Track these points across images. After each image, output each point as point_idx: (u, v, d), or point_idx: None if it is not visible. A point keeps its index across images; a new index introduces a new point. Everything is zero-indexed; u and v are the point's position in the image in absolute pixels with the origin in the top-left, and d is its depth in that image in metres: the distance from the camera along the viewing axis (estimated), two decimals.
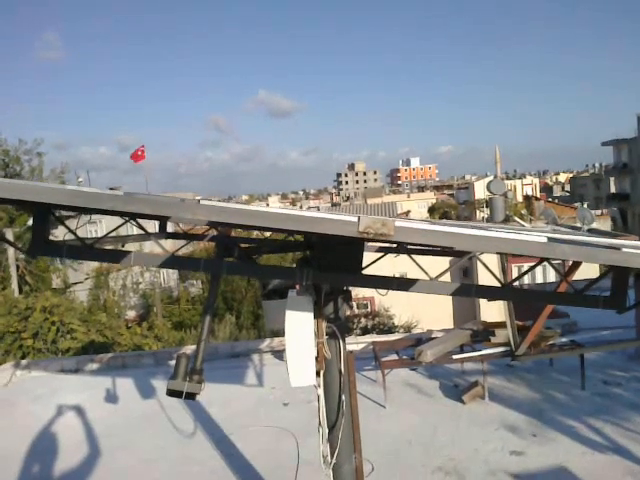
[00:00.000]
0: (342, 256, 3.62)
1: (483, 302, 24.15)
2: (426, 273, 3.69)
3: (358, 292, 25.33)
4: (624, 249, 2.45)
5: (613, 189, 60.93)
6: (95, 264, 29.99)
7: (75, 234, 3.53)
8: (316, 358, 4.35)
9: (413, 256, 4.11)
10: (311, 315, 4.13)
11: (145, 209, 2.43)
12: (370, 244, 5.15)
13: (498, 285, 3.94)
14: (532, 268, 3.71)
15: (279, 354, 13.33)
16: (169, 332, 24.95)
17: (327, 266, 3.58)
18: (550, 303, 6.22)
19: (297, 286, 4.61)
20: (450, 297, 28.03)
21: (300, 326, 4.09)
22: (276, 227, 2.45)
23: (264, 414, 9.94)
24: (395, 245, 5.74)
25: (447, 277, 23.77)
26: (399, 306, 25.95)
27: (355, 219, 2.40)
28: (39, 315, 18.16)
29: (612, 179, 61.19)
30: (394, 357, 10.82)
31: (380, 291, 3.75)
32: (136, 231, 6.01)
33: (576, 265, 4.29)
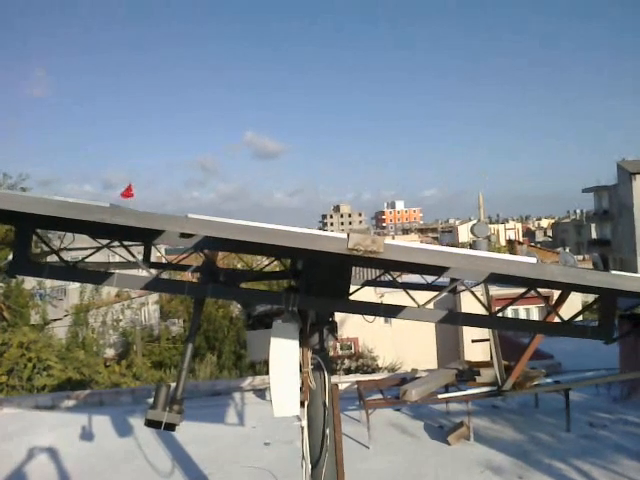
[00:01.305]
0: (329, 282, 3.58)
1: (467, 343, 24.02)
2: (414, 300, 3.66)
3: (342, 333, 25.11)
4: (612, 271, 2.46)
5: (594, 235, 61.86)
6: (75, 300, 29.46)
7: (58, 254, 3.47)
8: (300, 389, 4.26)
9: (401, 286, 4.07)
10: (296, 343, 4.06)
11: (131, 221, 2.39)
12: (356, 278, 5.12)
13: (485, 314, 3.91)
14: (521, 296, 3.70)
15: (261, 393, 13.07)
16: (148, 371, 24.42)
17: (314, 291, 3.53)
18: (538, 332, 6.19)
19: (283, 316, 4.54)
20: (434, 338, 27.91)
21: (285, 354, 4.01)
22: (266, 242, 2.42)
23: (245, 453, 9.66)
24: (381, 275, 5.71)
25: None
26: (383, 347, 25.74)
27: (344, 236, 2.39)
28: (15, 351, 17.71)
29: (593, 225, 62.20)
30: (378, 396, 10.65)
31: (367, 318, 3.70)
32: (118, 259, 5.92)
33: (564, 296, 4.29)
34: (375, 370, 23.76)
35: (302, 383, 4.28)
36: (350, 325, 23.09)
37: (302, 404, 4.24)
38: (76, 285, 31.01)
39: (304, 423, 4.37)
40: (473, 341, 17.56)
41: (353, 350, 28.38)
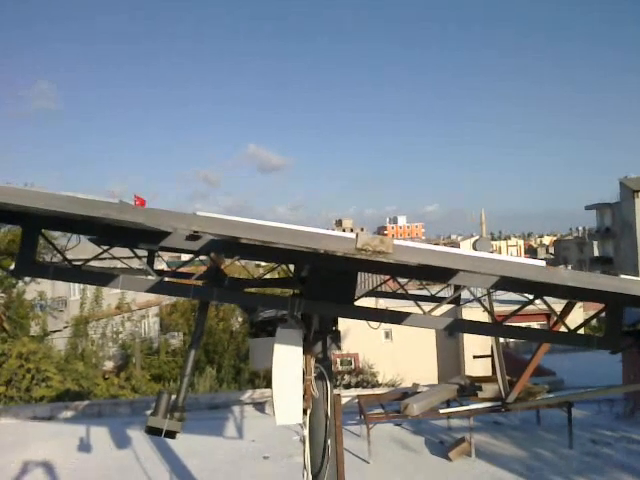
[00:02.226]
0: (334, 287, 3.56)
1: (468, 359, 23.88)
2: (419, 307, 3.64)
3: (343, 348, 25.00)
4: (622, 276, 2.44)
5: (596, 252, 61.74)
6: (75, 312, 29.37)
7: (63, 254, 3.45)
8: (303, 396, 4.21)
9: (410, 297, 4.04)
10: (300, 350, 4.03)
11: (140, 218, 2.38)
12: (360, 288, 5.09)
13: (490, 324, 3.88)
14: (525, 305, 3.68)
15: (260, 406, 12.97)
16: (147, 384, 24.25)
17: (319, 296, 3.51)
18: (544, 341, 6.15)
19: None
20: (435, 354, 27.72)
21: (289, 361, 3.98)
22: (275, 240, 2.41)
23: (243, 467, 9.55)
24: (385, 282, 5.69)
25: (432, 338, 23.47)
26: (383, 363, 25.58)
27: (353, 236, 2.38)
28: (14, 361, 17.61)
29: (595, 243, 62.10)
30: (379, 411, 10.55)
31: (372, 324, 3.67)
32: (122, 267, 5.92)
33: (570, 307, 4.27)
34: (375, 386, 23.58)
35: (305, 391, 4.23)
36: (351, 341, 22.96)
37: (304, 412, 4.19)
38: (77, 296, 30.98)
39: (306, 432, 4.31)
40: (475, 357, 17.50)
41: (353, 366, 28.20)
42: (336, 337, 5.02)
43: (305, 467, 4.45)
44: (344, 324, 5.09)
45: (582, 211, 62.20)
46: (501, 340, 10.70)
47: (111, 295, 33.88)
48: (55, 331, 28.24)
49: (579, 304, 21.42)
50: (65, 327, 28.87)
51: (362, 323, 4.45)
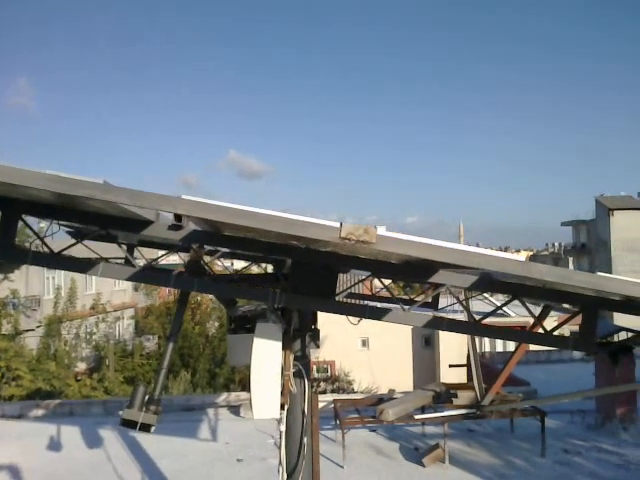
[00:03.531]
0: (315, 281, 3.56)
1: (444, 368, 23.97)
2: (399, 303, 3.66)
3: (318, 356, 24.90)
4: (599, 273, 2.49)
5: (572, 268, 62.74)
6: (49, 311, 28.86)
7: (42, 240, 3.41)
8: (281, 392, 4.20)
9: (387, 284, 4.07)
10: (279, 345, 4.02)
11: (123, 198, 2.36)
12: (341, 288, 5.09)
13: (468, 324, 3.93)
14: (505, 304, 3.73)
15: (235, 409, 12.88)
16: (120, 386, 23.92)
17: (300, 290, 3.51)
18: (521, 341, 6.22)
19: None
20: (411, 363, 27.82)
21: (268, 355, 3.97)
22: (260, 227, 2.41)
23: (217, 470, 9.47)
24: (363, 280, 5.69)
25: (409, 347, 23.52)
26: (359, 371, 25.58)
27: (337, 224, 2.39)
28: None
29: (571, 259, 63.06)
30: (355, 416, 10.55)
31: (351, 319, 3.68)
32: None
33: (547, 310, 4.34)
34: (351, 394, 23.58)
35: (283, 387, 4.22)
36: (327, 348, 22.93)
37: (282, 407, 4.18)
38: (51, 296, 30.47)
39: (283, 428, 4.30)
40: (450, 366, 17.58)
41: (329, 373, 28.16)
42: (315, 335, 5.02)
43: (281, 463, 4.44)
44: (321, 331, 5.11)
45: (558, 227, 63.32)
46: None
47: (86, 296, 33.40)
48: (27, 330, 27.72)
49: (554, 317, 21.69)
50: (38, 326, 28.33)
51: (339, 330, 4.48)
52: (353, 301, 4.90)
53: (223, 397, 13.39)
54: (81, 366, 28.28)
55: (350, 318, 3.78)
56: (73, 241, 4.10)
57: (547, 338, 3.68)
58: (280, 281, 4.70)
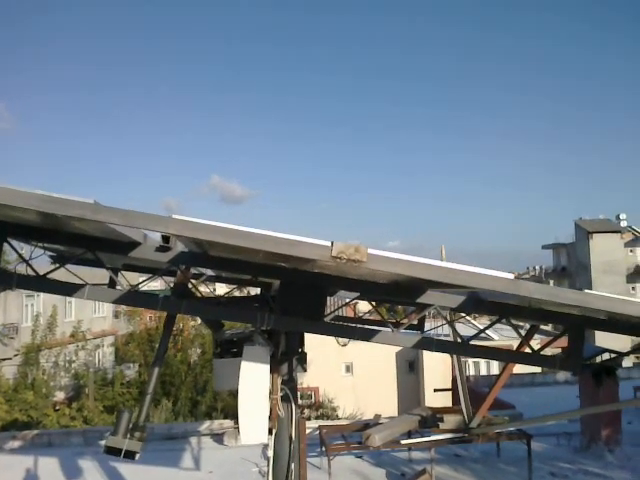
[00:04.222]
0: (304, 303, 3.55)
1: (428, 393, 23.89)
2: (388, 324, 3.65)
3: (302, 382, 24.67)
4: (586, 290, 2.53)
5: None
6: (27, 339, 28.26)
7: (28, 262, 3.36)
8: (269, 416, 4.15)
9: (376, 306, 4.06)
10: (267, 367, 3.99)
11: (114, 219, 2.34)
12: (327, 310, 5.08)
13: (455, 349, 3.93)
14: (492, 325, 3.74)
15: (219, 437, 12.66)
16: (100, 415, 23.39)
17: (289, 312, 3.50)
18: (509, 361, 6.22)
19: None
20: (395, 388, 27.65)
21: (255, 378, 3.93)
22: (251, 246, 2.40)
23: None
24: (351, 302, 5.65)
25: (393, 372, 23.45)
26: (344, 397, 25.39)
27: (328, 243, 2.40)
28: None
29: (552, 282, 63.77)
30: (341, 442, 10.43)
31: (340, 340, 3.66)
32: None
33: (533, 330, 4.36)
34: (335, 420, 23.33)
35: (270, 411, 4.17)
36: (311, 374, 22.76)
37: (269, 432, 4.13)
38: (29, 323, 29.87)
39: (270, 453, 4.24)
40: (435, 390, 17.53)
41: (313, 400, 27.90)
42: (302, 359, 4.99)
43: None
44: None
45: (539, 250, 64.22)
46: None
47: (65, 323, 32.79)
48: (4, 359, 27.12)
49: (537, 340, 21.81)
50: (15, 355, 27.71)
51: (322, 356, 4.45)
52: (341, 323, 4.88)
53: (206, 425, 13.17)
54: (60, 395, 27.63)
55: (339, 340, 3.76)
56: (56, 265, 4.05)
57: (534, 358, 3.69)
58: (268, 303, 4.68)
